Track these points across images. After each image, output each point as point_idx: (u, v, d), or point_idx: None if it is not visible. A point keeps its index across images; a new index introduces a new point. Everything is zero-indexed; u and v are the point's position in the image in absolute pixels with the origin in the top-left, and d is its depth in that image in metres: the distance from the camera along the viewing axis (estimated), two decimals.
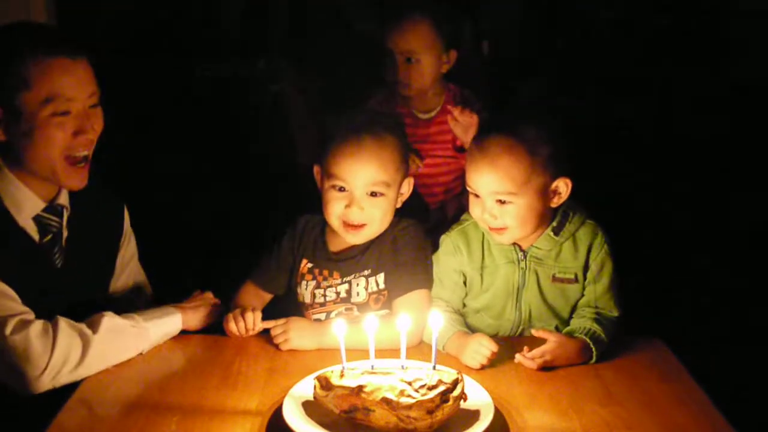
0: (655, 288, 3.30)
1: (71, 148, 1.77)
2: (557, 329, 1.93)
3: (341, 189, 1.93)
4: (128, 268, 2.07)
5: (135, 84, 4.20)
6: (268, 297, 2.08)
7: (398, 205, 2.00)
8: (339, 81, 3.46)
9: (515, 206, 1.82)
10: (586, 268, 1.91)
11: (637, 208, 3.88)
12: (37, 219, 1.81)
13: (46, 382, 1.66)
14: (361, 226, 1.94)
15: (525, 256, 1.91)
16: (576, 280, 1.91)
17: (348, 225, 1.94)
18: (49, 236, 1.83)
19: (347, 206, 1.92)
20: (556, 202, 1.87)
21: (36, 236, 1.81)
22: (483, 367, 1.76)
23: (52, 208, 1.84)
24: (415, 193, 2.07)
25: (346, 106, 2.81)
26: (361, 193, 1.92)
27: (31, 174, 1.78)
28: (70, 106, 1.75)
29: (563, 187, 1.85)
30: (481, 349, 1.76)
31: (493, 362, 1.78)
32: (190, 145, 4.11)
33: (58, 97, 1.72)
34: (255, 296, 2.06)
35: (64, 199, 1.87)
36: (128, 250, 2.07)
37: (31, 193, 1.79)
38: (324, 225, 2.06)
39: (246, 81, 4.37)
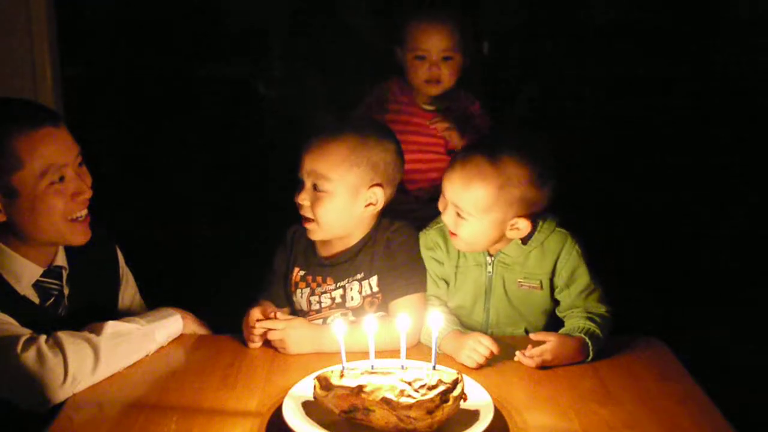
0: (654, 288, 3.31)
1: (72, 211, 1.78)
2: (526, 332, 1.97)
3: (301, 178, 1.94)
4: (132, 308, 2.08)
5: (133, 85, 4.21)
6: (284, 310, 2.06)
7: (367, 215, 1.96)
8: (340, 81, 3.46)
9: (469, 224, 1.87)
10: (552, 274, 1.93)
11: (637, 208, 3.88)
12: (36, 285, 1.82)
13: (68, 390, 1.66)
14: (309, 220, 1.95)
15: (493, 261, 1.96)
16: (541, 287, 1.94)
17: (303, 218, 1.95)
18: (52, 299, 1.85)
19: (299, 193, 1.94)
20: (513, 235, 1.90)
21: (37, 300, 1.82)
22: (480, 367, 1.76)
23: (51, 271, 1.85)
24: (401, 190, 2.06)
25: (347, 105, 2.81)
26: (308, 184, 1.92)
27: (31, 244, 1.79)
28: (64, 172, 1.76)
29: (523, 224, 1.87)
30: (479, 347, 1.77)
31: (493, 362, 1.78)
32: (188, 147, 4.11)
33: (51, 168, 1.73)
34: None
35: (61, 259, 1.88)
36: (127, 291, 2.09)
37: (27, 261, 1.80)
38: None
39: (246, 83, 4.38)
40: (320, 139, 1.93)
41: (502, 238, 1.91)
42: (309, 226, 1.96)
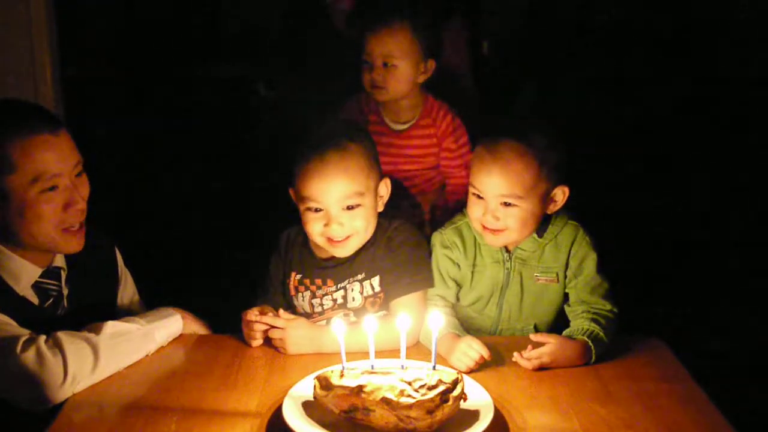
0: (655, 288, 3.31)
1: (64, 221, 1.77)
2: (535, 328, 1.99)
3: (317, 210, 1.90)
4: (131, 309, 2.07)
5: (133, 85, 4.21)
6: None
7: (380, 209, 1.98)
8: (334, 88, 3.45)
9: (519, 209, 1.87)
10: (567, 266, 1.95)
11: (637, 208, 3.88)
12: (35, 286, 1.82)
13: (67, 390, 1.66)
14: (346, 239, 1.92)
15: (510, 257, 1.96)
16: (557, 280, 1.96)
17: (332, 240, 1.92)
18: (51, 300, 1.84)
19: (326, 225, 1.90)
20: (551, 209, 1.93)
21: (36, 301, 1.82)
22: (471, 371, 1.75)
23: (50, 272, 1.84)
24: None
25: (330, 112, 2.77)
26: (337, 210, 1.88)
27: (27, 248, 1.78)
28: (57, 181, 1.74)
29: (560, 194, 1.91)
30: (470, 351, 1.76)
31: (493, 362, 1.78)
32: (188, 147, 4.11)
33: (44, 175, 1.72)
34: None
35: (60, 261, 1.87)
36: (126, 291, 2.09)
37: (26, 262, 1.79)
38: (306, 234, 2.03)
39: (246, 84, 4.38)
40: (331, 161, 1.87)
41: (540, 219, 1.91)
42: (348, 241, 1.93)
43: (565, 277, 1.96)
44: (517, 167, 1.84)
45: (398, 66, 2.47)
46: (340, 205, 1.88)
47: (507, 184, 1.85)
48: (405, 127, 2.57)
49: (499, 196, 1.86)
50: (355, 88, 2.72)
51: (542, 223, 1.95)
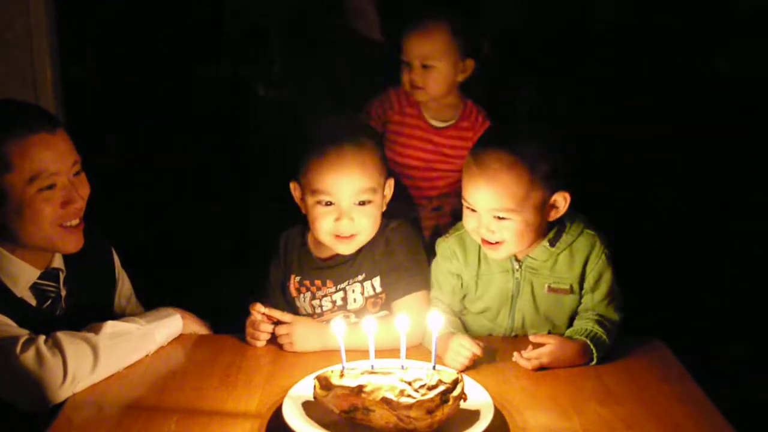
0: (655, 288, 3.30)
1: (62, 218, 1.77)
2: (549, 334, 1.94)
3: (328, 203, 1.89)
4: (128, 309, 2.07)
5: (133, 86, 4.21)
6: None
7: (384, 208, 1.98)
8: (340, 84, 3.45)
9: (513, 222, 1.79)
10: (582, 278, 1.89)
11: (637, 207, 3.88)
12: (34, 287, 1.82)
13: (67, 390, 1.66)
14: (353, 236, 1.92)
15: (520, 266, 1.90)
16: (571, 291, 1.89)
17: (340, 237, 1.91)
18: (49, 302, 1.84)
19: (337, 219, 1.89)
20: (553, 216, 1.84)
21: (34, 303, 1.81)
22: (465, 369, 1.74)
23: (48, 273, 1.84)
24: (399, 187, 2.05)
25: (345, 108, 2.78)
26: (349, 204, 1.88)
27: (25, 247, 1.79)
28: (55, 179, 1.74)
29: (561, 201, 1.82)
30: (462, 350, 1.75)
31: (493, 362, 1.78)
32: (189, 148, 4.11)
33: (41, 174, 1.71)
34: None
35: (58, 262, 1.87)
36: (123, 292, 2.09)
37: (24, 263, 1.79)
38: (305, 235, 2.04)
39: (246, 84, 4.38)
40: (348, 154, 1.88)
41: (543, 226, 1.84)
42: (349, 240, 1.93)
43: (581, 288, 1.89)
44: (505, 180, 1.75)
45: (436, 66, 2.47)
46: (353, 199, 1.88)
47: (496, 198, 1.77)
48: (445, 125, 2.57)
49: (491, 210, 1.79)
50: (373, 86, 2.70)
51: (556, 231, 1.88)
